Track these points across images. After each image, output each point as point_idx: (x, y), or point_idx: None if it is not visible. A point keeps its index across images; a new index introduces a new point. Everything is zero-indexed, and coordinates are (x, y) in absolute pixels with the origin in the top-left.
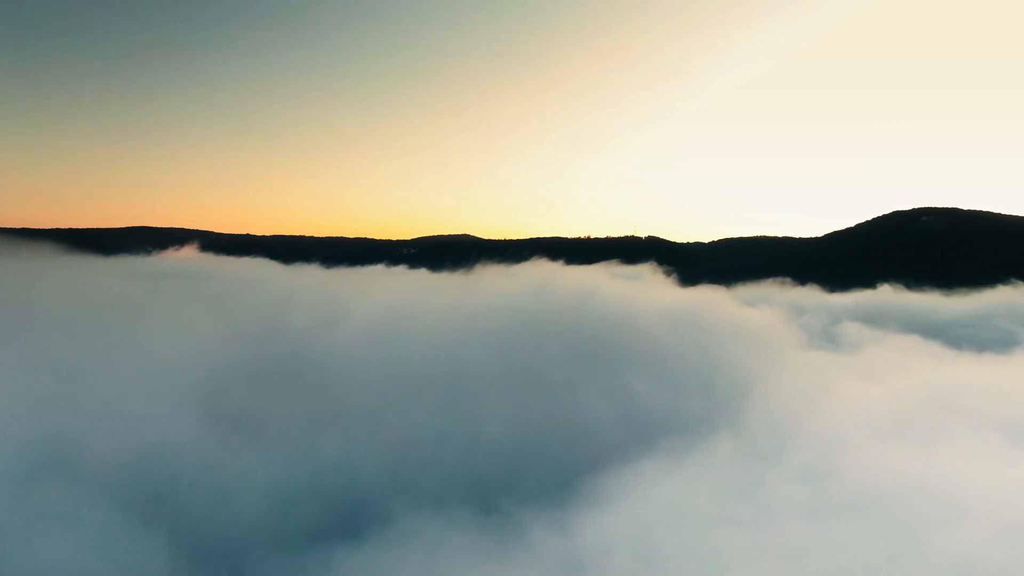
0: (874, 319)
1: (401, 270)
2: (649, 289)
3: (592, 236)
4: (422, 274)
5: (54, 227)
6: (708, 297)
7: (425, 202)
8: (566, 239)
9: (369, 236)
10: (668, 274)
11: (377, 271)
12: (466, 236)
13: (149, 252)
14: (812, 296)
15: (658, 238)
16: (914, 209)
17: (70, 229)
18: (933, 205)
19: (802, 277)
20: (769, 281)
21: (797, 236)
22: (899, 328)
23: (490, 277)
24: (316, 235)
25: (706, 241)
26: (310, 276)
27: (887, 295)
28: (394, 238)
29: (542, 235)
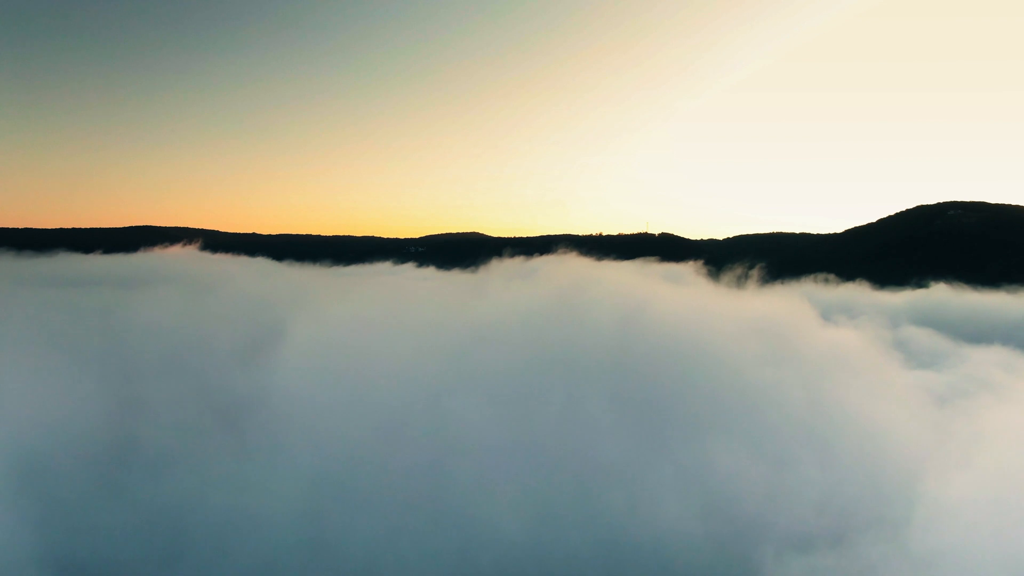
0: (934, 322)
1: (408, 268)
2: (704, 296)
3: (604, 233)
4: (426, 273)
5: (58, 227)
6: (782, 307)
7: (432, 201)
8: (578, 236)
9: (377, 235)
10: (712, 276)
11: (382, 269)
12: (475, 234)
13: (133, 251)
14: (863, 294)
15: (672, 235)
16: (939, 203)
17: (73, 229)
18: (957, 199)
19: (848, 274)
20: (809, 278)
21: (815, 232)
22: (971, 334)
23: (503, 278)
24: (323, 234)
25: (720, 238)
26: (293, 276)
27: (945, 294)
28: (402, 236)
29: (551, 232)
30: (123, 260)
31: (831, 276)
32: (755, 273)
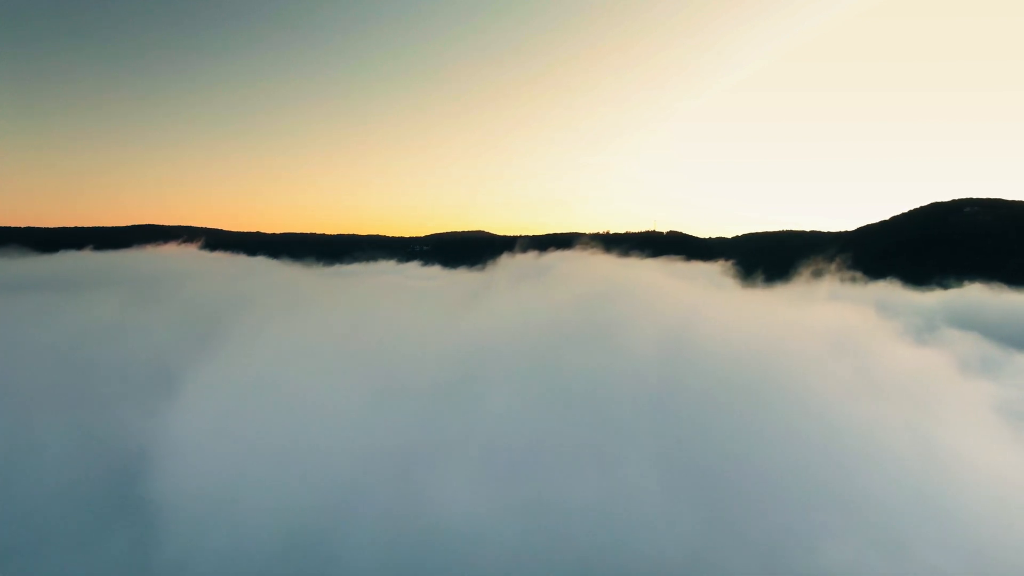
0: (974, 324)
1: (411, 267)
2: (753, 303)
3: (610, 231)
4: (430, 272)
5: (62, 226)
6: (851, 317)
7: (436, 200)
8: (585, 234)
9: (382, 233)
10: (738, 276)
11: (385, 268)
12: (480, 232)
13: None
14: (893, 293)
15: (680, 232)
16: (955, 200)
17: (76, 228)
18: (973, 196)
19: (871, 272)
20: (835, 277)
21: (824, 231)
22: (1018, 338)
23: (512, 277)
24: (328, 232)
25: (729, 236)
26: (276, 277)
27: (980, 293)
28: (407, 235)
29: (556, 231)
30: (80, 258)
31: (858, 274)
32: (794, 272)
